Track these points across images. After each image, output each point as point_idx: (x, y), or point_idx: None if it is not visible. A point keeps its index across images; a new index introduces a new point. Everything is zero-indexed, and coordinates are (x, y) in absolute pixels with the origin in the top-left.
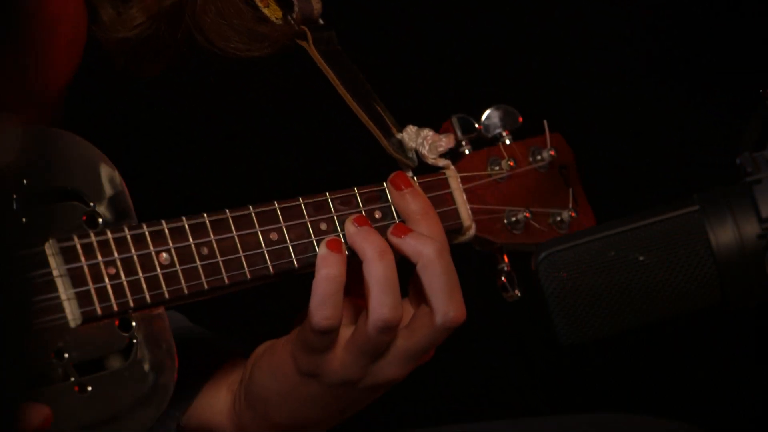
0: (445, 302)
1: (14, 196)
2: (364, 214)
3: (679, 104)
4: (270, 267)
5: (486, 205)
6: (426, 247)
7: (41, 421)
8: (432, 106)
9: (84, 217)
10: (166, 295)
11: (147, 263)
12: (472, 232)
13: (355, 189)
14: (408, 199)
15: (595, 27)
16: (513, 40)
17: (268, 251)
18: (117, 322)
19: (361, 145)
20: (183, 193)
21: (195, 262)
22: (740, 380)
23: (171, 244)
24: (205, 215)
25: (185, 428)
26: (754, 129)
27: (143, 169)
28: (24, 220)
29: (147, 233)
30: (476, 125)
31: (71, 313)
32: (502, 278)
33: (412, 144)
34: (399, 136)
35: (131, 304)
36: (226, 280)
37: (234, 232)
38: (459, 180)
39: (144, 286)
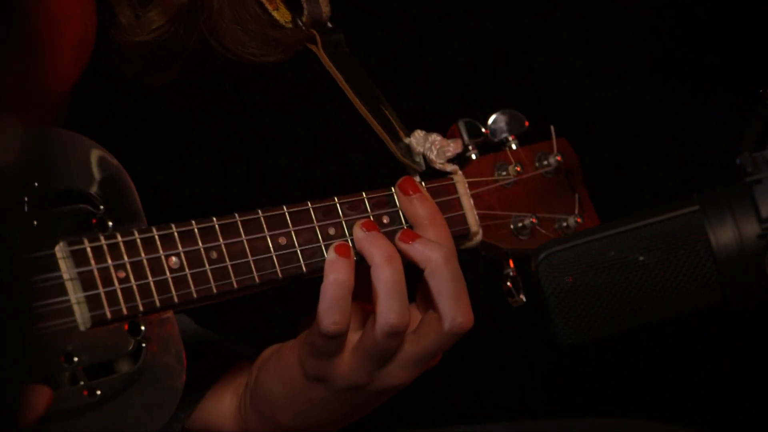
0: (453, 308)
1: (25, 198)
2: (372, 218)
3: (679, 104)
4: (279, 271)
5: (493, 211)
6: (434, 253)
7: (44, 402)
8: (439, 109)
9: (94, 221)
10: (176, 299)
11: (156, 267)
12: (479, 237)
13: (363, 194)
14: (416, 204)
15: (596, 28)
16: (515, 41)
17: (276, 256)
18: (126, 326)
19: (370, 149)
20: (192, 196)
21: (204, 266)
22: (740, 380)
23: (180, 248)
24: (214, 219)
25: (189, 431)
26: (754, 129)
27: (153, 171)
28: (35, 222)
29: (157, 237)
30: (483, 129)
31: (81, 316)
32: (508, 283)
33: (419, 149)
34: (407, 140)
35: (141, 308)
36: (235, 285)
37: (243, 236)
38: (466, 185)
39: (153, 290)
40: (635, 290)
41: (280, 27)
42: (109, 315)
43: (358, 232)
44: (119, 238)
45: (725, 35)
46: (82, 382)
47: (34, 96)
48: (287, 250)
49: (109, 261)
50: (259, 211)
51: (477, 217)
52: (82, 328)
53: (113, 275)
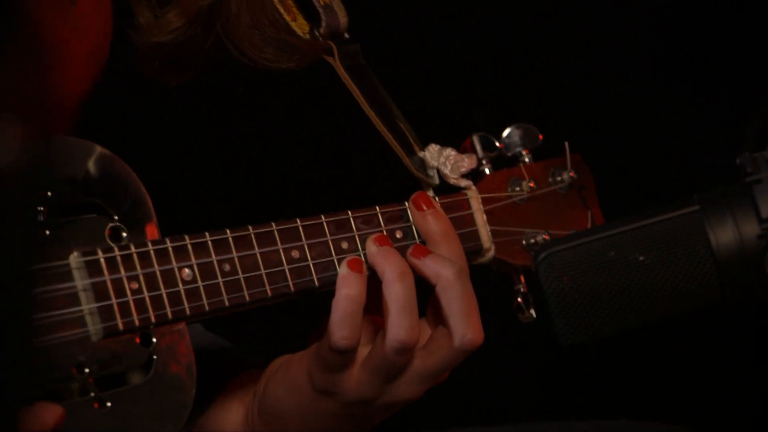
0: (463, 325)
1: (40, 208)
2: (385, 233)
3: (679, 104)
4: (291, 285)
5: (506, 227)
6: (445, 269)
7: (55, 420)
8: (454, 121)
9: (108, 231)
10: (188, 312)
11: (169, 279)
12: (491, 254)
13: (377, 208)
14: (429, 219)
15: (597, 28)
16: (516, 41)
17: (289, 269)
18: (138, 338)
19: (384, 162)
20: (204, 203)
21: (217, 278)
22: (740, 380)
23: (194, 260)
24: (228, 231)
25: None
26: (754, 129)
27: (165, 176)
28: (48, 232)
29: (170, 248)
30: (497, 143)
31: (93, 327)
32: (518, 299)
33: (434, 163)
34: (421, 154)
35: (153, 319)
36: (247, 298)
37: (256, 249)
38: (480, 201)
39: (166, 301)
40: (635, 290)
41: (297, 36)
42: (121, 326)
43: (371, 246)
44: (133, 249)
45: (726, 35)
46: (92, 393)
47: (49, 103)
48: (300, 264)
49: (123, 272)
50: (273, 224)
51: (490, 233)
52: (94, 338)
53: (126, 286)
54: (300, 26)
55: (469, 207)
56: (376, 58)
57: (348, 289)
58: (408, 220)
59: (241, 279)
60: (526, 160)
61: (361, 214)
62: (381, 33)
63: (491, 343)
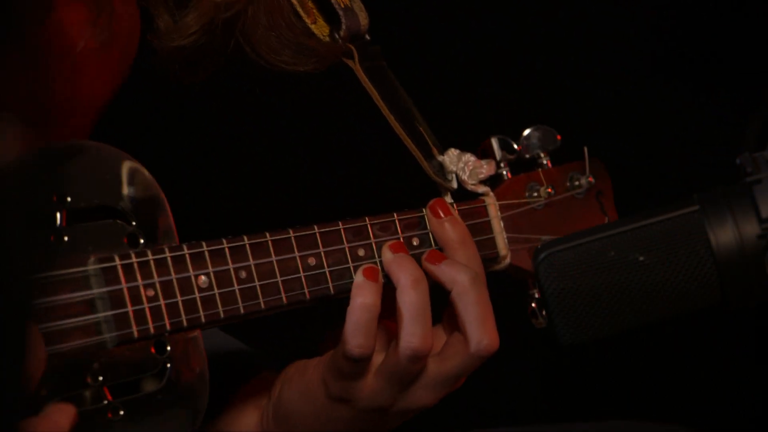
0: (479, 331)
1: (58, 214)
2: (402, 240)
3: (679, 104)
4: (306, 293)
5: (522, 234)
6: (461, 275)
7: (69, 422)
8: (472, 123)
9: (125, 238)
10: (203, 319)
11: (186, 286)
12: (507, 261)
13: (395, 215)
14: (447, 227)
15: (596, 28)
16: (516, 40)
17: (305, 276)
18: (152, 345)
19: (402, 166)
20: (221, 207)
21: (233, 285)
22: (740, 380)
23: (210, 268)
24: (245, 238)
25: None
26: (754, 129)
27: (181, 179)
28: (66, 238)
29: (187, 255)
30: (515, 146)
31: (108, 334)
32: (533, 304)
33: (452, 168)
34: (440, 158)
35: (168, 327)
36: (263, 305)
37: (273, 256)
38: (497, 208)
39: (181, 309)
40: (635, 290)
41: (316, 38)
42: (136, 334)
43: (386, 253)
44: (150, 255)
45: (726, 35)
46: (106, 401)
47: (74, 109)
48: (316, 271)
49: (139, 279)
50: (290, 230)
51: (506, 240)
52: (108, 346)
53: (142, 294)
54: (320, 28)
55: (486, 214)
56: (397, 60)
57: (363, 297)
58: (425, 227)
59: (257, 286)
60: (545, 162)
61: (379, 221)
62: (403, 35)
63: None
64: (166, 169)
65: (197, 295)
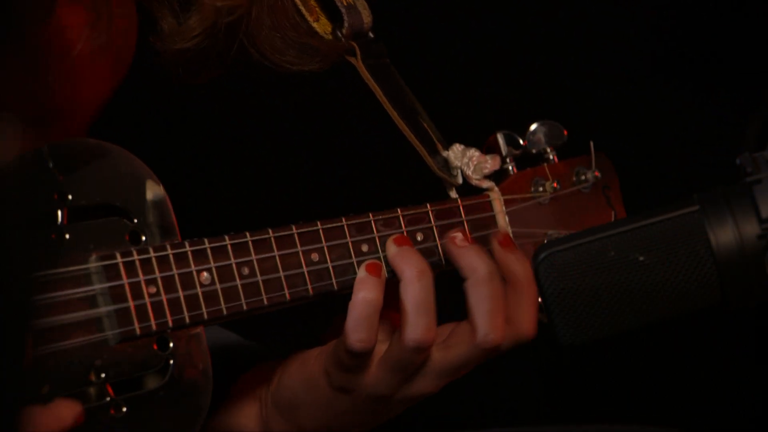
0: (488, 324)
1: (59, 211)
2: (406, 234)
3: (679, 104)
4: (310, 288)
5: (528, 228)
6: (481, 266)
7: (74, 417)
8: (479, 120)
9: (127, 235)
10: (205, 316)
11: (187, 282)
12: None
13: (399, 210)
14: (512, 260)
15: (596, 28)
16: (517, 41)
17: (308, 272)
18: (155, 341)
19: (407, 163)
20: (224, 205)
21: (235, 281)
22: (740, 380)
23: (212, 263)
24: (247, 234)
25: (209, 427)
26: (754, 129)
27: (183, 178)
28: (67, 236)
29: (189, 252)
30: (521, 141)
31: (110, 331)
32: (538, 299)
33: (457, 163)
34: (445, 154)
35: (170, 323)
36: (266, 301)
37: (276, 251)
38: (502, 202)
39: (184, 305)
40: (635, 290)
41: (319, 36)
42: (138, 331)
43: (390, 246)
44: (152, 252)
45: (726, 35)
46: (108, 398)
47: (71, 110)
48: (319, 266)
49: (141, 276)
50: (293, 226)
51: (512, 235)
52: (111, 343)
53: (144, 290)
54: (322, 26)
55: (491, 209)
56: (402, 57)
57: (365, 292)
58: (429, 221)
59: (260, 282)
60: (551, 157)
61: (383, 216)
62: (408, 32)
63: None
64: (168, 166)
65: (199, 290)
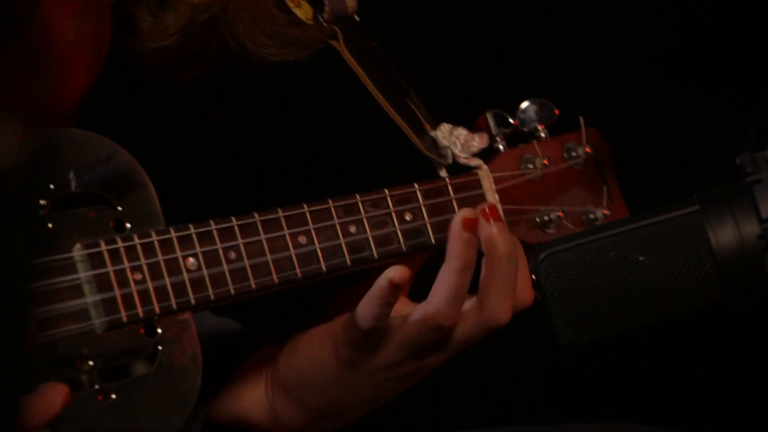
0: (497, 304)
1: (41, 201)
2: (394, 216)
3: (679, 104)
4: (298, 271)
5: (518, 206)
6: (501, 244)
7: (62, 400)
8: (471, 101)
9: (111, 222)
10: (193, 301)
11: (173, 268)
12: None
13: (386, 191)
14: (495, 232)
15: (596, 26)
16: (516, 39)
17: (296, 254)
18: (142, 328)
19: (395, 145)
20: (211, 194)
21: (222, 266)
22: (740, 380)
23: (198, 249)
24: (233, 219)
25: (213, 415)
26: (754, 129)
27: (170, 170)
28: (50, 225)
29: (174, 238)
30: (511, 120)
31: (97, 319)
32: (532, 276)
33: (445, 142)
34: (433, 134)
35: (157, 310)
36: (254, 285)
37: (262, 235)
38: (492, 180)
39: (170, 292)
40: (635, 290)
41: (299, 24)
42: (125, 318)
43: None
44: (136, 239)
45: (726, 35)
46: (97, 386)
47: (46, 106)
48: (307, 249)
49: (126, 263)
50: (279, 210)
51: (502, 212)
52: (98, 331)
53: (130, 277)
54: (304, 12)
55: (479, 187)
56: (389, 39)
57: (394, 273)
58: (417, 201)
59: (247, 266)
60: (543, 135)
61: (370, 197)
62: (396, 13)
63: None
64: (152, 154)
65: (186, 276)
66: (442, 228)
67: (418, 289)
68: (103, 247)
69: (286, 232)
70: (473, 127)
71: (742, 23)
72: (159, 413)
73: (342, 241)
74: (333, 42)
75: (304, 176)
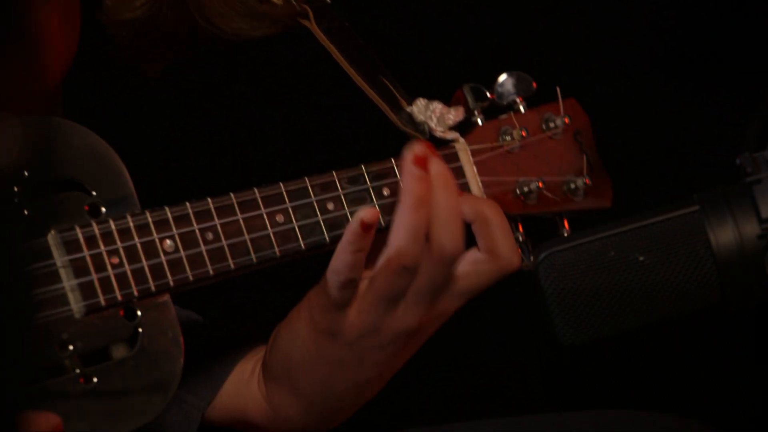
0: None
1: (15, 188)
2: (372, 192)
3: (679, 104)
4: (276, 250)
5: (498, 177)
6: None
7: (51, 429)
8: (448, 76)
9: (86, 207)
10: (171, 283)
11: (150, 251)
12: None
13: (363, 167)
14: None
15: (596, 26)
16: (515, 39)
17: (274, 233)
18: (122, 311)
19: (371, 122)
20: (186, 177)
21: (200, 247)
22: (740, 380)
23: (175, 231)
24: (209, 200)
25: (210, 418)
26: (754, 129)
27: (145, 156)
28: (25, 212)
29: (150, 221)
30: (488, 94)
31: (75, 304)
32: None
33: (421, 117)
34: (409, 109)
35: (135, 293)
36: (232, 265)
37: (239, 215)
38: (469, 153)
39: (148, 274)
40: (635, 290)
41: (267, 1)
42: (103, 302)
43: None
44: (112, 224)
45: (726, 35)
46: (78, 370)
47: (27, 90)
48: (285, 227)
49: (102, 247)
50: (255, 189)
51: (481, 184)
52: (77, 315)
53: (106, 261)
54: None
55: (457, 160)
56: (363, 17)
57: (365, 214)
58: (395, 176)
59: (225, 246)
60: (521, 108)
61: (347, 174)
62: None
63: (491, 341)
64: (125, 139)
65: (163, 259)
66: None
67: None
68: (78, 232)
69: (263, 211)
70: (451, 101)
71: (742, 23)
72: (141, 395)
73: (320, 218)
74: (305, 22)
75: (280, 155)
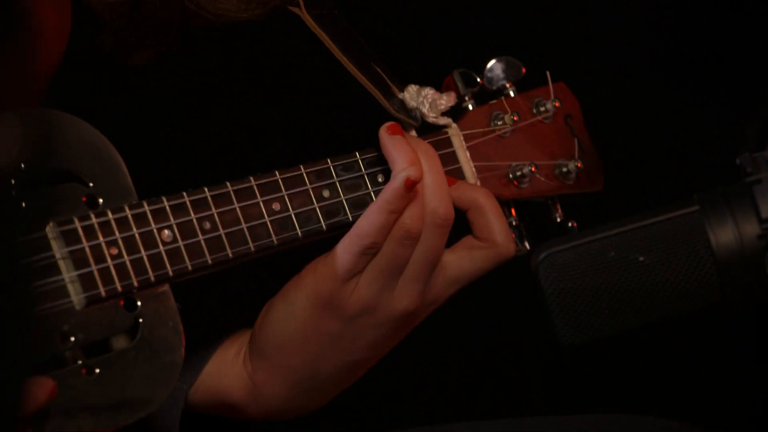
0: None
1: (13, 181)
2: (366, 178)
3: (678, 104)
4: (274, 238)
5: (491, 162)
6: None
7: (48, 394)
8: (439, 62)
9: (84, 198)
10: (170, 273)
11: (149, 241)
12: None
13: (357, 154)
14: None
15: (596, 26)
16: (515, 38)
17: (270, 221)
18: (122, 302)
19: (364, 109)
20: (181, 166)
21: (197, 236)
22: (740, 380)
23: (173, 220)
24: (206, 189)
25: (193, 401)
26: (754, 129)
27: (140, 146)
28: (23, 204)
29: (148, 211)
30: (478, 79)
31: (75, 296)
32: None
33: (413, 103)
34: (400, 95)
35: (135, 283)
36: (230, 254)
37: (236, 204)
38: (462, 138)
39: (147, 264)
40: (635, 290)
41: None
42: (103, 293)
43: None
44: (110, 214)
45: (726, 35)
46: (80, 362)
47: (20, 83)
48: (281, 215)
49: (101, 238)
50: (251, 178)
51: (474, 169)
52: (77, 307)
53: (106, 252)
54: None
55: (450, 145)
56: (353, 4)
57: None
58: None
59: (223, 235)
60: (511, 93)
61: (341, 161)
62: None
63: (491, 341)
64: (121, 129)
65: (162, 249)
66: None
67: None
68: (77, 223)
69: (259, 199)
70: (441, 88)
71: (742, 23)
72: (144, 385)
73: (316, 205)
74: (295, 9)
75: (274, 143)
